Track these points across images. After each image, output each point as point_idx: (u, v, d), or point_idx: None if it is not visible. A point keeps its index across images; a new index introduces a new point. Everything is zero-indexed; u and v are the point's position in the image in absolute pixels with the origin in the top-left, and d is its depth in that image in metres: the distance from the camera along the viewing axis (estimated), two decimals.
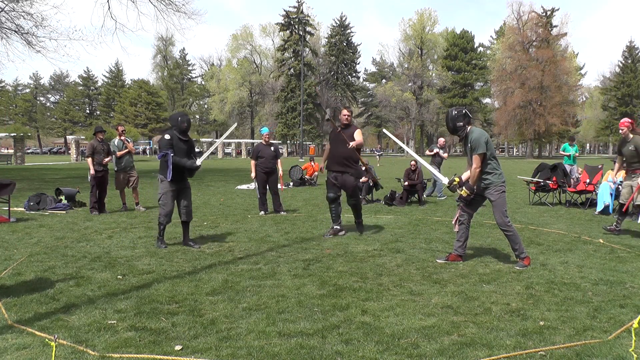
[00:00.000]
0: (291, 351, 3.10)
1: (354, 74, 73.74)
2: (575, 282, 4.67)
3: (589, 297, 4.21)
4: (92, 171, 9.42)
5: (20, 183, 14.11)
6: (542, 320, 3.66)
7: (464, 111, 5.47)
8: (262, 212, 9.38)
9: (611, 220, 8.75)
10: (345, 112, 7.20)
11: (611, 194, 9.66)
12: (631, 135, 6.98)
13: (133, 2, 24.73)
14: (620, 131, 7.16)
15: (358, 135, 7.02)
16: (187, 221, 6.43)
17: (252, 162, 9.56)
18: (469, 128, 5.40)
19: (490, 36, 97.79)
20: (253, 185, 15.75)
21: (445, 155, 12.78)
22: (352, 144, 6.82)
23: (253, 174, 9.52)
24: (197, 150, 6.70)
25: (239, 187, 15.68)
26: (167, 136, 6.19)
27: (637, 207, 7.00)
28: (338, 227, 7.21)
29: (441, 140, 13.31)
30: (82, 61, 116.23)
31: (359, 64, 78.69)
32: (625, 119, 7.20)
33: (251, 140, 68.48)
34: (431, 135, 74.49)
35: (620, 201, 7.32)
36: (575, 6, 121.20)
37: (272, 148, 9.57)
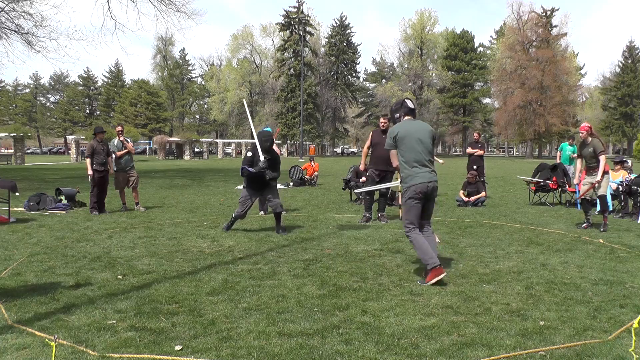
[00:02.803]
0: (291, 351, 3.10)
1: (354, 74, 73.67)
2: (575, 282, 4.67)
3: (589, 297, 4.21)
4: (89, 172, 9.43)
5: (20, 183, 14.10)
6: (542, 320, 3.66)
7: (402, 102, 5.11)
8: (262, 212, 9.38)
9: (612, 220, 8.75)
10: (383, 119, 8.43)
11: (612, 194, 9.65)
12: (590, 139, 7.67)
13: (133, 2, 24.75)
14: (580, 134, 7.82)
15: None
16: (278, 213, 7.40)
17: None
18: (404, 119, 5.03)
19: (490, 36, 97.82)
20: None
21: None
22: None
23: None
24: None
25: (238, 187, 15.67)
26: (249, 154, 7.26)
27: (600, 198, 7.74)
28: (369, 215, 8.47)
29: None
30: (82, 61, 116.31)
31: (359, 64, 78.67)
32: (585, 124, 7.86)
33: (251, 141, 68.44)
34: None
35: (583, 197, 7.96)
36: (575, 6, 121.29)
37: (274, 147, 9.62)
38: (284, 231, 7.34)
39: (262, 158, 7.15)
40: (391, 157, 5.06)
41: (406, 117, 5.03)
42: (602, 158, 7.48)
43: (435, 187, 4.87)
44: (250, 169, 7.11)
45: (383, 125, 8.45)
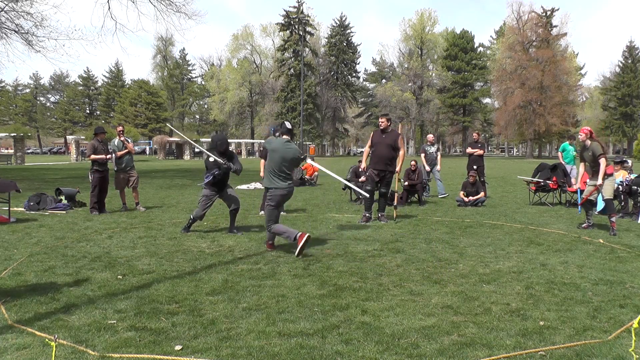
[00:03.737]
0: (291, 351, 3.10)
1: (354, 74, 73.66)
2: (575, 282, 4.67)
3: (589, 297, 4.22)
4: (106, 156, 9.51)
5: (20, 183, 14.09)
6: (542, 320, 3.66)
7: (282, 124, 6.36)
8: (262, 212, 9.38)
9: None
10: (381, 119, 8.54)
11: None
12: (589, 142, 7.62)
13: (133, 2, 24.70)
14: (580, 137, 7.79)
15: (400, 143, 8.41)
16: (233, 210, 7.43)
17: (262, 162, 9.59)
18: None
19: (490, 36, 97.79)
20: (253, 186, 15.78)
21: (433, 149, 13.05)
22: (401, 152, 8.49)
23: (262, 173, 9.55)
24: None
25: (238, 187, 15.67)
26: (211, 159, 7.26)
27: (608, 202, 7.62)
28: (369, 215, 8.46)
29: (430, 136, 13.58)
30: (82, 61, 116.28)
31: (359, 64, 78.72)
32: (585, 127, 7.84)
33: (251, 141, 68.50)
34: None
35: (589, 198, 7.90)
36: (575, 6, 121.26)
37: None
38: (238, 231, 7.38)
39: (220, 160, 7.28)
40: (260, 165, 6.28)
41: (284, 136, 6.25)
42: (602, 161, 7.37)
43: (289, 196, 6.29)
44: (218, 171, 7.22)
45: (381, 125, 8.54)
